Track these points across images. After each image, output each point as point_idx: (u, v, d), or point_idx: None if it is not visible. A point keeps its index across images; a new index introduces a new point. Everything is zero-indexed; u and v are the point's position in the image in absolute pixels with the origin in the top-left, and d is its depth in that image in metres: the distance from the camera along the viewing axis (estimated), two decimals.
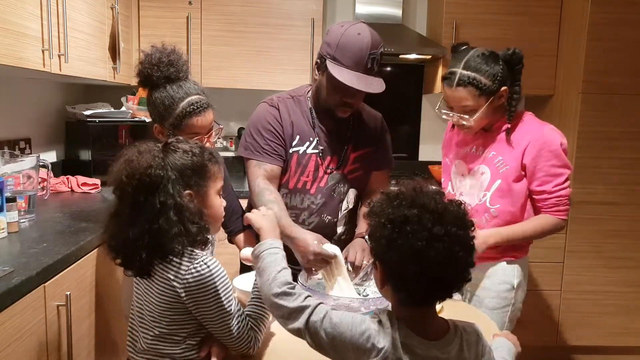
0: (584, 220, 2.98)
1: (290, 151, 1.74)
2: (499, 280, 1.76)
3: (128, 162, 1.18)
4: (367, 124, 1.82)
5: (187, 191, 1.21)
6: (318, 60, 1.68)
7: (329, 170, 1.75)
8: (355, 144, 1.78)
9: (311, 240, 1.55)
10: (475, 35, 2.99)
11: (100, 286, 1.82)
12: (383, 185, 1.81)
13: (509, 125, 1.68)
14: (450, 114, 1.70)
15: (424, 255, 0.91)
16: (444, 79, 1.66)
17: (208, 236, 1.23)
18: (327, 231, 1.71)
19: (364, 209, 1.75)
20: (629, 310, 3.04)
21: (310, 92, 1.79)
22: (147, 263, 1.17)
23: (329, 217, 1.75)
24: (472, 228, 0.98)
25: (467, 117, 1.64)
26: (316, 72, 1.70)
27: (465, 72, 1.60)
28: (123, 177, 1.17)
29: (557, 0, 3.08)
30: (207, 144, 1.65)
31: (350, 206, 1.79)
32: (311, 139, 1.75)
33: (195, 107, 1.59)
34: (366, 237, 1.62)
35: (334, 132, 1.76)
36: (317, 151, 1.74)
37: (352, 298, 1.48)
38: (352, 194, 1.79)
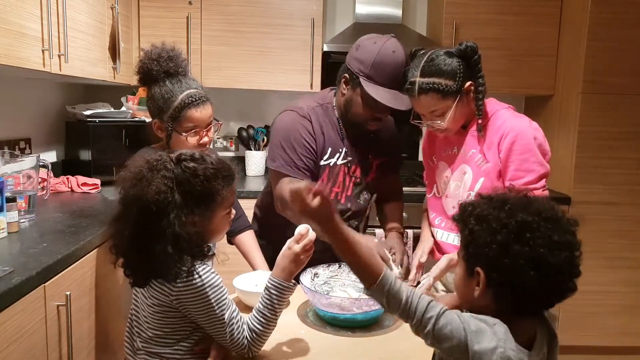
0: (584, 220, 2.95)
1: (322, 164, 1.74)
2: None
3: (138, 179, 1.14)
4: (385, 131, 1.84)
5: (190, 218, 1.15)
6: (346, 75, 1.67)
7: (354, 179, 1.78)
8: (377, 152, 1.82)
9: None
10: (475, 35, 2.98)
11: (100, 286, 1.82)
12: (399, 186, 1.96)
13: (480, 121, 1.61)
14: (423, 122, 1.65)
15: (545, 262, 0.90)
16: (406, 90, 1.60)
17: (209, 253, 1.20)
18: None
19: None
20: (629, 310, 3.04)
21: (335, 100, 1.78)
22: (143, 278, 1.17)
23: (356, 223, 1.82)
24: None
25: (438, 122, 1.59)
26: (344, 87, 1.70)
27: (423, 79, 1.54)
28: (130, 193, 1.14)
29: (557, 0, 3.07)
30: (207, 139, 1.66)
31: (369, 210, 1.90)
32: (340, 150, 1.76)
33: (194, 99, 1.60)
34: (407, 231, 1.78)
35: (358, 140, 1.78)
36: (345, 161, 1.76)
37: (342, 298, 1.46)
38: (372, 198, 1.88)
